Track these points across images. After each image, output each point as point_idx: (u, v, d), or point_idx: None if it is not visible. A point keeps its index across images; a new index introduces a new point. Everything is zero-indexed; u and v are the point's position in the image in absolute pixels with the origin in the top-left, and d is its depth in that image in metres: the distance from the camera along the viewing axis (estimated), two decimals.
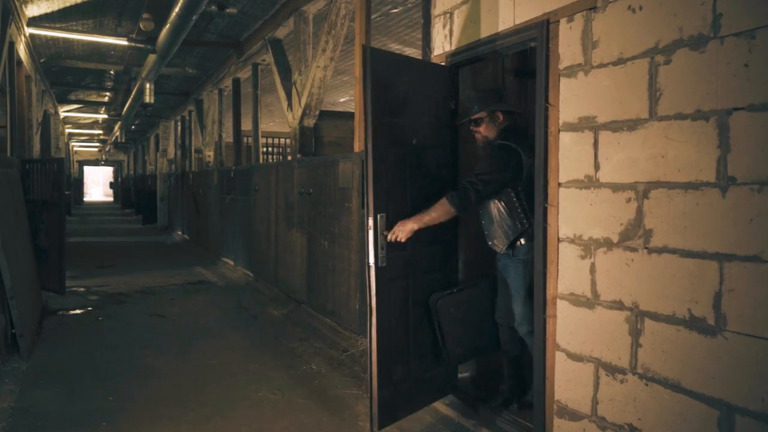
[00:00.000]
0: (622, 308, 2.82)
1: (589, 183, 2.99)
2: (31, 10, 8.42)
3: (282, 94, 7.97)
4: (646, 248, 2.69)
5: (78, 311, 7.05)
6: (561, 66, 3.16)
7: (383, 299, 3.48)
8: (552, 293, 3.24)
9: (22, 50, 8.73)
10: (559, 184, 3.18)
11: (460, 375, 4.24)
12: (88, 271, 9.93)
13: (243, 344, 5.69)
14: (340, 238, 5.90)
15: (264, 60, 9.30)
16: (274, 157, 16.06)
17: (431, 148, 3.84)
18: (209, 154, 13.56)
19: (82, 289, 8.38)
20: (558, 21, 3.16)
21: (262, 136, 11.36)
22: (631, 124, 2.75)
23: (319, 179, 6.43)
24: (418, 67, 3.94)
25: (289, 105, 7.63)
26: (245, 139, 12.81)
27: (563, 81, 3.15)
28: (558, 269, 3.20)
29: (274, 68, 8.30)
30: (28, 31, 8.74)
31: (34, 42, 9.85)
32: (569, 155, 3.12)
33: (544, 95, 3.25)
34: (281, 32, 8.16)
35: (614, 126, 2.84)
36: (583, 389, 3.03)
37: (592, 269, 2.98)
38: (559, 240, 3.19)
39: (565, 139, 3.14)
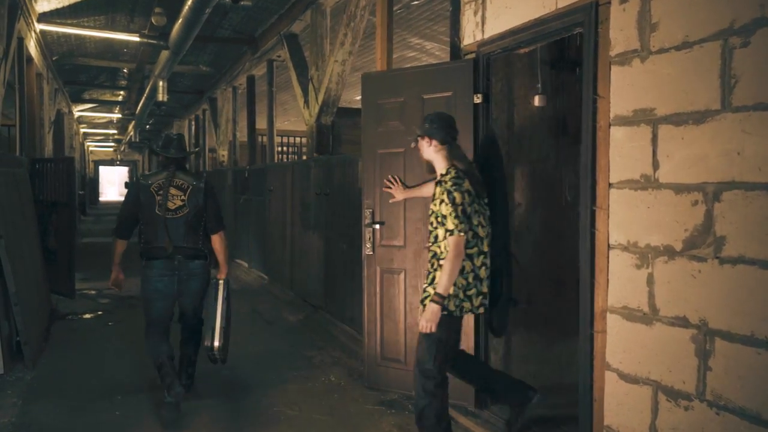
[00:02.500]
0: (686, 325, 2.48)
1: (647, 183, 2.66)
2: (42, 6, 8.20)
3: (298, 90, 7.69)
4: (716, 258, 2.36)
5: (88, 316, 6.82)
6: (612, 53, 2.83)
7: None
8: (601, 306, 2.91)
9: (32, 47, 8.52)
10: (610, 185, 2.86)
11: None
12: (101, 273, 9.69)
13: (257, 353, 5.41)
14: (361, 242, 5.59)
15: (279, 56, 9.03)
16: (289, 156, 15.82)
17: None
18: (223, 153, 13.34)
19: (93, 292, 8.16)
20: (609, 2, 2.83)
21: (277, 135, 11.08)
22: (699, 117, 2.42)
23: (337, 179, 6.13)
24: (416, 73, 4.14)
25: (306, 102, 7.35)
26: (260, 138, 12.55)
27: (615, 69, 2.82)
28: (608, 279, 2.87)
29: (290, 64, 8.02)
30: (39, 27, 8.52)
31: (45, 39, 9.65)
32: (622, 152, 2.79)
33: (592, 86, 2.93)
34: (297, 26, 7.87)
35: (677, 119, 2.51)
36: (639, 415, 2.70)
37: (650, 280, 2.65)
38: (609, 247, 2.87)
39: (617, 134, 2.81)
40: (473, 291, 3.19)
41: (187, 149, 4.30)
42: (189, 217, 3.98)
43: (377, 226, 4.26)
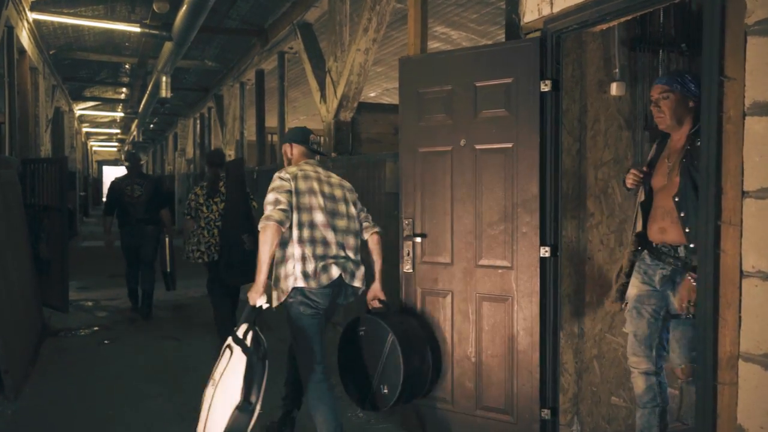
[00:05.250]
0: None
1: None
2: None
3: (314, 84, 7.03)
4: None
5: (82, 332, 6.17)
6: (749, 20, 2.16)
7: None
8: (729, 350, 2.24)
9: (24, 37, 7.88)
10: (744, 194, 2.19)
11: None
12: (99, 281, 9.10)
13: (272, 377, 4.74)
14: (387, 253, 4.93)
15: (291, 48, 8.37)
16: None
17: (494, 146, 3.26)
18: (230, 153, 12.67)
19: (89, 304, 7.53)
20: None
21: None
22: None
23: (359, 182, 5.46)
24: (467, 56, 3.45)
25: (323, 97, 6.69)
26: (269, 137, 11.90)
27: (753, 42, 2.15)
28: (740, 316, 2.21)
29: (304, 56, 7.37)
30: (32, 16, 7.88)
31: (40, 30, 9.02)
32: (763, 151, 2.12)
33: (717, 65, 2.25)
34: (312, 14, 7.22)
35: None
36: None
37: None
38: (741, 274, 2.20)
39: (756, 126, 2.14)
40: (202, 247, 5.18)
41: (141, 162, 7.02)
42: (145, 200, 6.54)
43: (418, 239, 3.60)
